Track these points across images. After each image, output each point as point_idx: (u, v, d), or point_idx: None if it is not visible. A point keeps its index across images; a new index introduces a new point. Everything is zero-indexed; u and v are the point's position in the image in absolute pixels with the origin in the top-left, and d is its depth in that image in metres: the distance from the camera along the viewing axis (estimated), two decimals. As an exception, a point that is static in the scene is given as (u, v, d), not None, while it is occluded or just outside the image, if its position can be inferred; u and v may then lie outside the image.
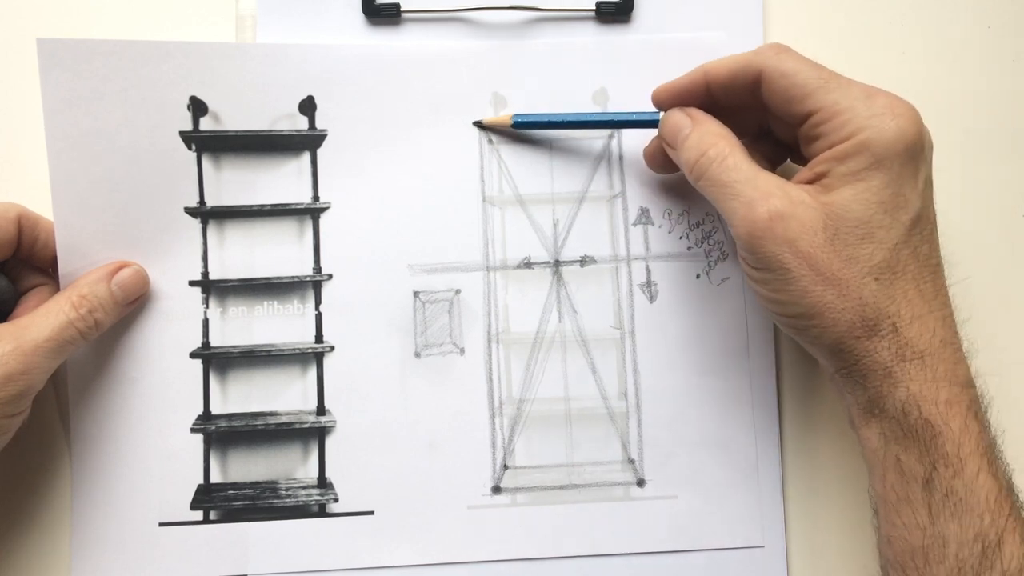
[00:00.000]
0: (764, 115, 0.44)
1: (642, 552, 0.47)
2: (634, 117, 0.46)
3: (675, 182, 0.49)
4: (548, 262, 0.49)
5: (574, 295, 0.49)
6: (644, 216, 0.49)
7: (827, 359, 0.40)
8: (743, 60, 0.41)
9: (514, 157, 0.49)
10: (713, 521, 0.47)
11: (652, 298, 0.49)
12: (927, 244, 0.39)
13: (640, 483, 0.48)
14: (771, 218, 0.38)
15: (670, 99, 0.44)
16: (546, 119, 0.47)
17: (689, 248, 0.49)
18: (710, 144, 0.41)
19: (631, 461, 0.48)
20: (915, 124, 0.38)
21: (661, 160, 0.46)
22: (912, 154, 0.38)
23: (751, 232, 0.38)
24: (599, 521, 0.47)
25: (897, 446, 0.37)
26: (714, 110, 0.43)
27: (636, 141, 0.49)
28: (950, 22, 0.51)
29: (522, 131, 0.48)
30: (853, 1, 0.51)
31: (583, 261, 0.49)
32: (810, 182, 0.40)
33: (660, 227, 0.49)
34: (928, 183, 0.39)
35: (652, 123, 0.45)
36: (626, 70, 0.49)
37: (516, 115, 0.47)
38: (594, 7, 0.49)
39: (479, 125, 0.48)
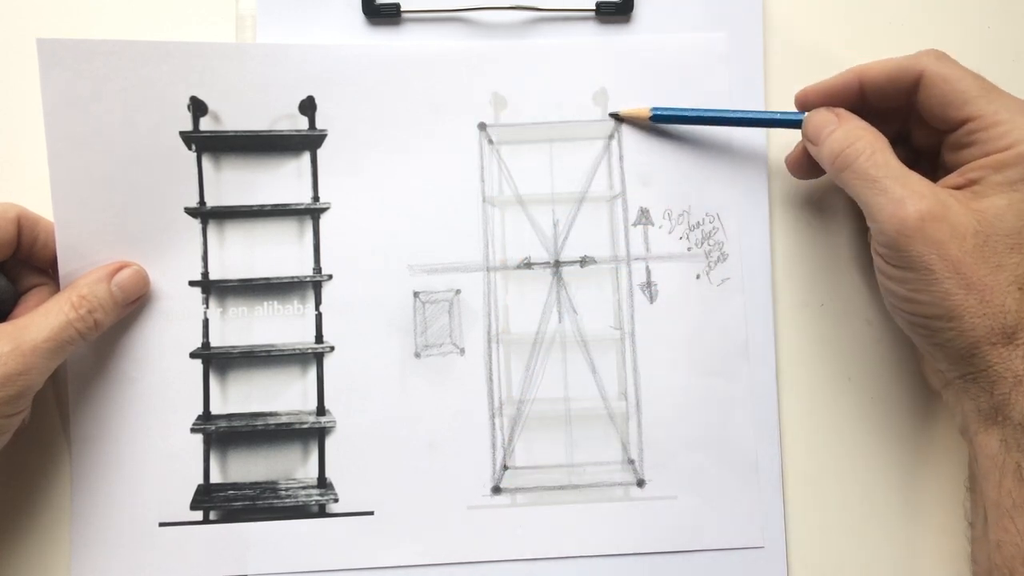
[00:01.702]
0: (905, 122, 0.44)
1: (642, 552, 0.47)
2: (778, 116, 0.46)
3: (675, 182, 0.49)
4: (548, 262, 0.49)
5: (574, 295, 0.49)
6: (644, 217, 0.49)
7: (953, 363, 0.40)
8: (903, 63, 0.42)
9: (514, 157, 0.49)
10: (713, 521, 0.47)
11: (652, 298, 0.49)
12: None
13: (640, 483, 0.48)
14: (922, 218, 0.38)
15: (817, 99, 0.45)
16: (684, 114, 0.47)
17: (689, 249, 0.49)
18: (858, 137, 0.41)
19: (631, 461, 0.48)
20: None
21: (804, 165, 0.46)
22: None
23: (900, 230, 0.38)
24: (599, 521, 0.47)
25: (1019, 453, 0.38)
26: (860, 114, 0.43)
27: (636, 142, 0.49)
28: (950, 22, 0.51)
29: (652, 123, 0.48)
30: (853, 1, 0.51)
31: (583, 261, 0.49)
32: (959, 187, 0.40)
33: (660, 228, 0.49)
34: None
35: (795, 123, 0.45)
36: (626, 70, 0.49)
37: (655, 108, 0.48)
38: (594, 7, 0.49)
39: (616, 116, 0.48)
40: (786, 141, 0.48)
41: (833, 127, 0.42)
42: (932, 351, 0.41)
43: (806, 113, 0.45)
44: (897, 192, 0.39)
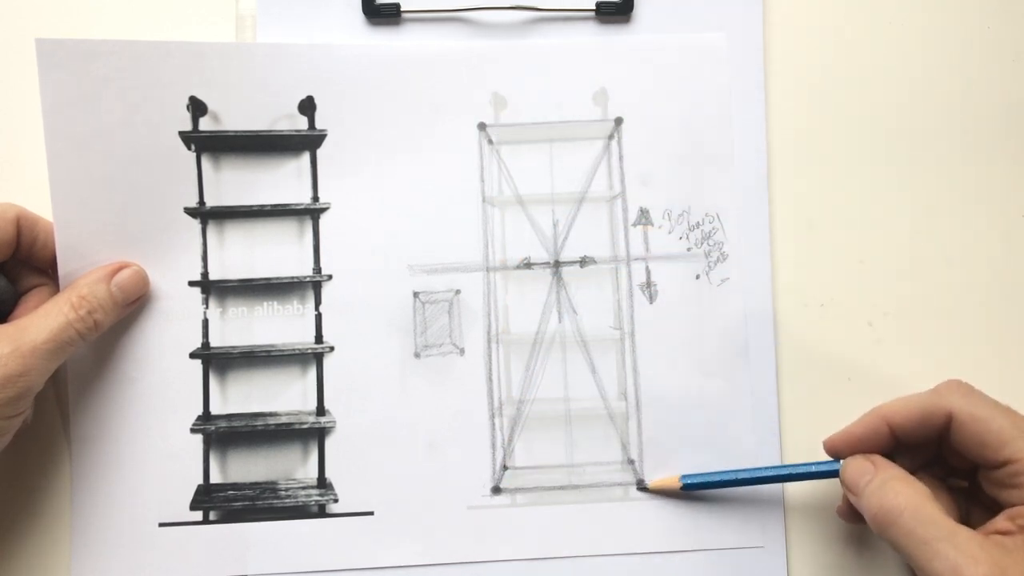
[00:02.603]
0: (939, 448, 0.43)
1: (641, 552, 0.47)
2: (812, 468, 0.44)
3: (675, 182, 0.49)
4: (548, 263, 0.49)
5: (574, 296, 0.49)
6: (644, 217, 0.49)
7: None
8: (928, 404, 0.41)
9: (514, 157, 0.49)
10: (713, 521, 0.48)
11: (652, 299, 0.49)
12: None
13: (640, 483, 0.48)
14: None
15: (846, 447, 0.43)
16: (717, 478, 0.46)
17: (689, 249, 0.49)
18: (898, 491, 0.39)
19: (631, 461, 0.48)
20: None
21: (855, 513, 0.44)
22: None
23: None
24: (599, 522, 0.47)
25: None
26: (891, 451, 0.42)
27: (636, 142, 0.49)
28: (950, 22, 0.51)
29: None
30: (853, 1, 0.51)
31: (583, 262, 0.49)
32: (1006, 532, 0.38)
33: (660, 228, 0.49)
34: None
35: (831, 473, 0.43)
36: (626, 70, 0.49)
37: (684, 476, 0.46)
38: (594, 7, 0.49)
39: (644, 489, 0.47)
40: (788, 155, 0.49)
41: (870, 477, 0.41)
42: None
43: (842, 462, 0.43)
44: (951, 556, 0.36)
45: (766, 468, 0.46)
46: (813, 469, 0.44)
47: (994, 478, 0.40)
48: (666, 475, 0.47)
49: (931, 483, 0.43)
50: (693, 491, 0.47)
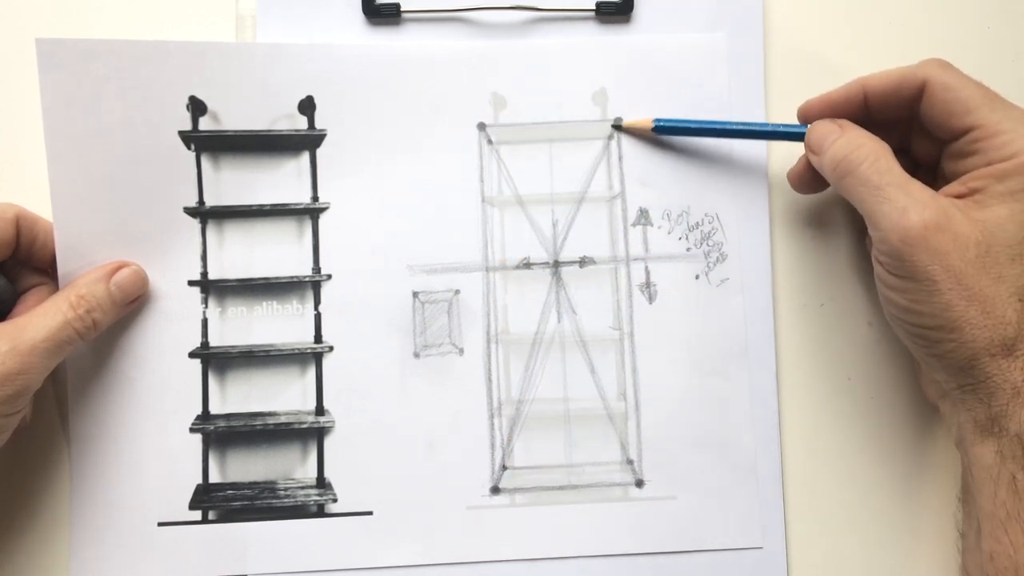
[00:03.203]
0: (906, 132, 0.44)
1: (641, 553, 0.47)
2: (781, 128, 0.46)
3: (674, 182, 0.48)
4: (547, 263, 0.49)
5: (573, 296, 0.49)
6: (643, 217, 0.49)
7: (952, 374, 0.40)
8: (907, 72, 0.42)
9: (513, 158, 0.49)
10: (712, 522, 0.47)
11: (651, 299, 0.48)
12: None
13: (639, 484, 0.48)
14: (926, 227, 0.38)
15: (820, 111, 0.44)
16: (687, 125, 0.47)
17: (688, 249, 0.49)
18: (860, 144, 0.41)
19: (630, 462, 0.48)
20: None
21: (807, 178, 0.46)
22: None
23: (903, 240, 0.38)
24: (598, 522, 0.47)
25: (1014, 464, 0.38)
26: (863, 124, 0.43)
27: (636, 141, 0.49)
28: (950, 22, 0.51)
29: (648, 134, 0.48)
30: (853, 1, 0.51)
31: (582, 262, 0.49)
32: (960, 196, 0.40)
33: (659, 228, 0.49)
34: None
35: (798, 135, 0.45)
36: (626, 70, 0.49)
37: (657, 119, 0.47)
38: (594, 7, 0.49)
39: (617, 127, 0.48)
40: (786, 145, 0.48)
41: (836, 136, 0.42)
42: (930, 362, 0.41)
43: (809, 125, 0.44)
44: (901, 200, 0.38)
45: (738, 123, 0.47)
46: (781, 129, 0.46)
47: (956, 150, 0.41)
48: (665, 475, 0.47)
49: None
50: (664, 135, 0.48)
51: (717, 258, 0.49)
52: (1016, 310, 0.38)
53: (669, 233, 0.49)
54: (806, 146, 0.44)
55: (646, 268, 0.49)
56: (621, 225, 0.49)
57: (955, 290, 0.37)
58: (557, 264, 0.49)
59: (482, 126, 0.49)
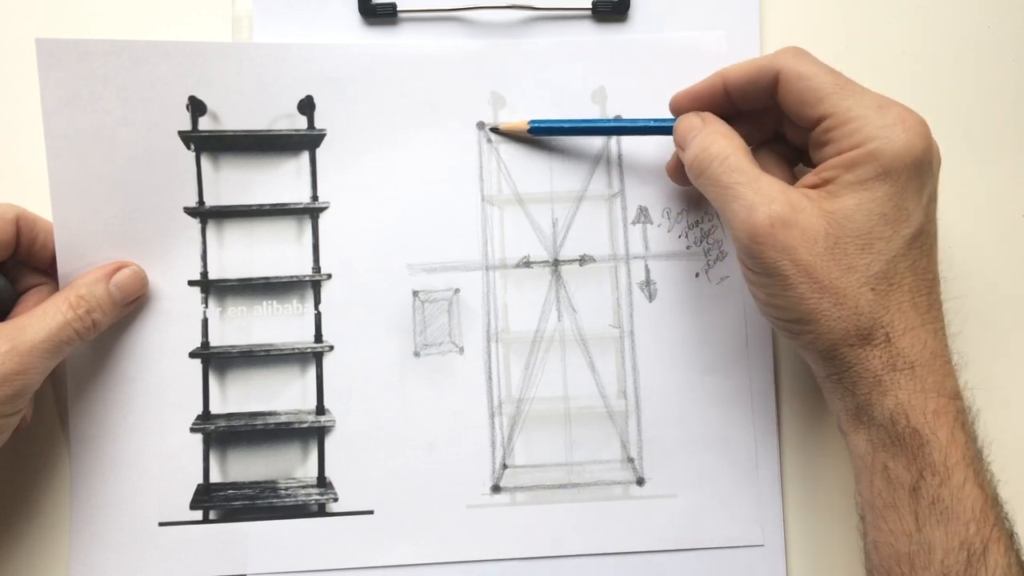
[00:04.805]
0: (779, 121, 0.44)
1: (641, 551, 0.47)
2: (652, 123, 0.46)
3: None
4: (547, 261, 0.49)
5: (573, 294, 0.49)
6: (643, 215, 0.49)
7: (819, 364, 0.40)
8: (761, 62, 0.42)
9: (513, 156, 0.49)
10: (712, 520, 0.47)
11: (651, 297, 0.49)
12: (925, 258, 0.39)
13: (639, 482, 0.48)
14: (772, 224, 0.38)
15: (688, 104, 0.44)
16: (562, 125, 0.47)
17: (688, 247, 0.49)
18: (712, 142, 0.41)
19: (630, 460, 0.48)
20: (925, 138, 0.38)
21: (682, 171, 0.46)
22: (919, 168, 0.38)
23: (752, 237, 0.38)
24: (599, 520, 0.47)
25: (884, 453, 0.38)
26: (732, 115, 0.43)
27: (636, 141, 0.49)
28: (950, 22, 0.51)
29: (532, 136, 0.48)
30: (853, 1, 0.51)
31: (582, 260, 0.49)
32: (815, 186, 0.40)
33: (659, 226, 0.49)
34: (932, 198, 0.40)
35: (668, 130, 0.45)
36: (624, 69, 0.49)
37: (533, 121, 0.47)
38: (590, 6, 0.49)
39: (495, 131, 0.48)
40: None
41: (696, 132, 0.42)
42: (801, 352, 0.41)
43: (678, 119, 0.44)
44: (749, 197, 0.38)
45: (612, 120, 0.48)
46: (652, 124, 0.46)
47: (813, 139, 0.41)
48: (665, 473, 0.47)
49: (771, 158, 0.44)
50: (540, 136, 0.48)
51: (717, 256, 0.49)
52: (868, 300, 0.37)
53: (669, 231, 0.49)
54: (675, 141, 0.44)
55: (646, 266, 0.49)
56: (621, 223, 0.49)
57: (806, 283, 0.37)
58: (557, 262, 0.49)
59: (481, 125, 0.49)
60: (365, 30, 0.49)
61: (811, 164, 0.43)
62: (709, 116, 0.43)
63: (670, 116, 0.45)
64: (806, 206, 0.38)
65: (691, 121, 0.43)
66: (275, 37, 0.49)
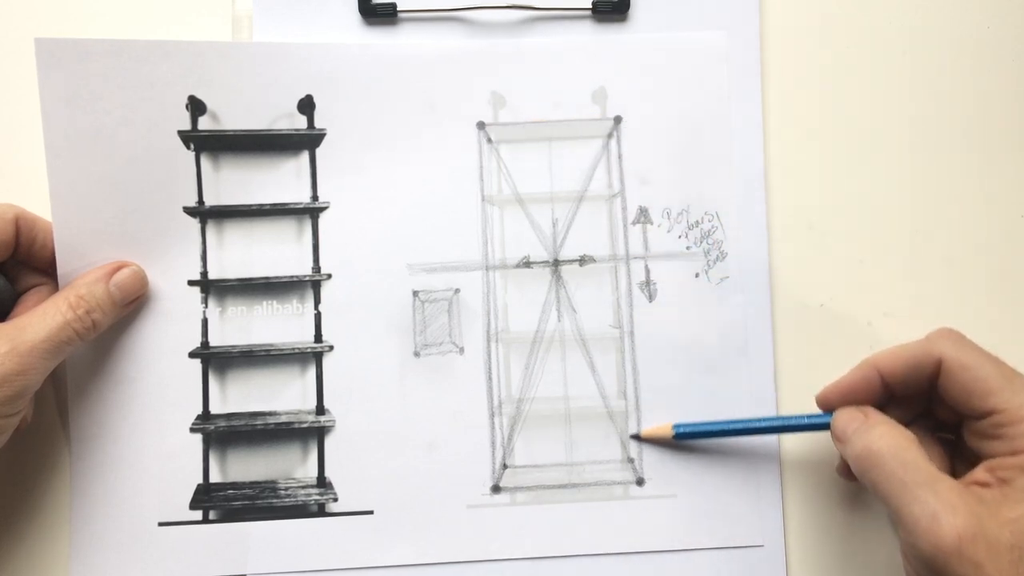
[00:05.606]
0: (929, 401, 0.43)
1: (641, 551, 0.47)
2: (805, 420, 0.44)
3: (674, 181, 0.49)
4: (547, 261, 0.49)
5: (573, 294, 0.49)
6: (643, 215, 0.49)
7: None
8: (919, 351, 0.40)
9: (513, 156, 0.49)
10: (712, 520, 0.47)
11: (651, 297, 0.49)
12: None
13: (639, 482, 0.48)
14: (960, 538, 0.35)
15: (838, 398, 0.43)
16: (710, 428, 0.46)
17: (688, 247, 0.49)
18: (883, 434, 0.39)
19: (630, 460, 0.48)
20: None
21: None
22: None
23: (936, 550, 0.35)
24: (598, 520, 0.47)
25: None
26: (884, 403, 0.42)
27: (635, 141, 0.49)
28: (950, 22, 0.51)
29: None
30: (853, 1, 0.51)
31: (582, 260, 0.49)
32: (985, 484, 0.38)
33: (659, 226, 0.49)
34: None
35: (823, 426, 0.43)
36: (624, 69, 0.49)
37: (677, 426, 0.47)
38: (590, 6, 0.49)
39: (635, 437, 0.48)
40: (785, 152, 0.49)
41: (857, 424, 0.40)
42: None
43: (834, 413, 0.43)
44: (930, 504, 0.36)
45: (759, 419, 0.45)
46: (806, 421, 0.44)
47: (978, 429, 0.40)
48: (665, 473, 0.47)
49: (921, 435, 0.42)
50: (685, 440, 0.47)
51: (717, 256, 0.49)
52: None
53: (669, 231, 0.49)
54: (832, 435, 0.42)
55: (646, 266, 0.49)
56: (621, 223, 0.49)
57: None
58: (557, 263, 0.49)
59: (481, 125, 0.49)
60: (365, 30, 0.49)
61: (961, 442, 0.42)
62: (870, 410, 0.42)
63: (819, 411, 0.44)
64: (986, 516, 0.36)
65: (851, 414, 0.41)
66: (275, 37, 0.49)
